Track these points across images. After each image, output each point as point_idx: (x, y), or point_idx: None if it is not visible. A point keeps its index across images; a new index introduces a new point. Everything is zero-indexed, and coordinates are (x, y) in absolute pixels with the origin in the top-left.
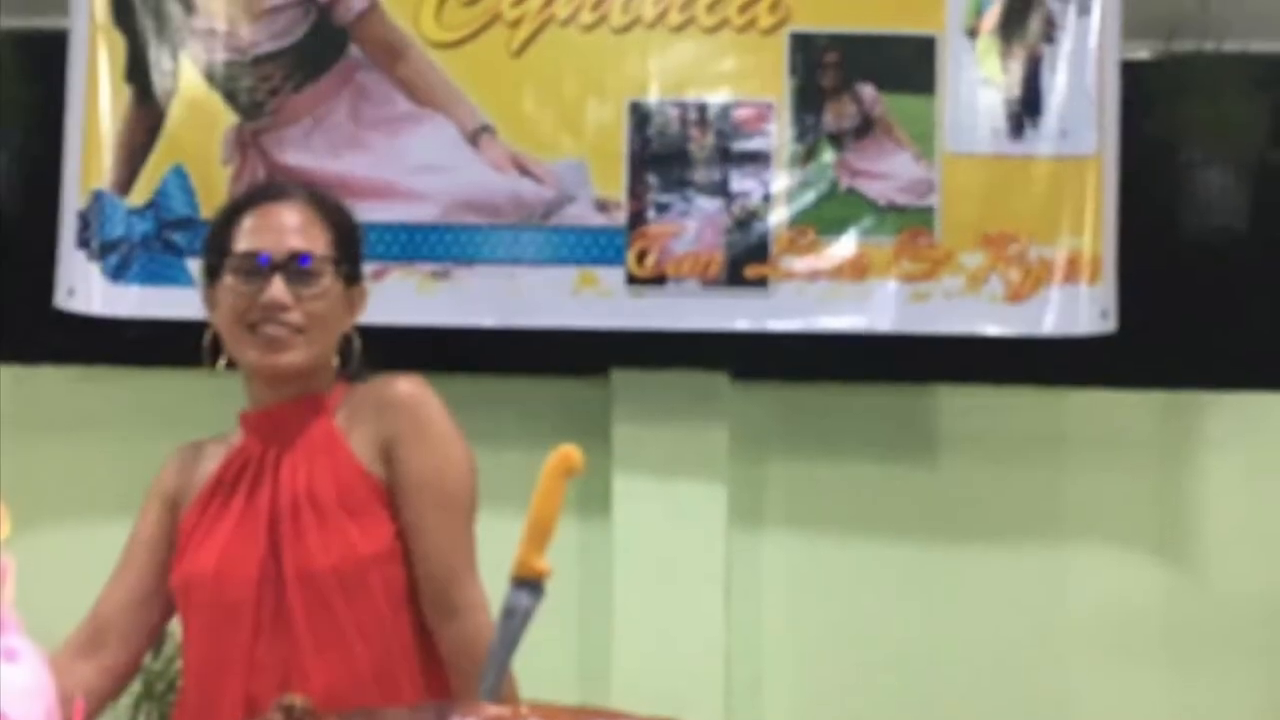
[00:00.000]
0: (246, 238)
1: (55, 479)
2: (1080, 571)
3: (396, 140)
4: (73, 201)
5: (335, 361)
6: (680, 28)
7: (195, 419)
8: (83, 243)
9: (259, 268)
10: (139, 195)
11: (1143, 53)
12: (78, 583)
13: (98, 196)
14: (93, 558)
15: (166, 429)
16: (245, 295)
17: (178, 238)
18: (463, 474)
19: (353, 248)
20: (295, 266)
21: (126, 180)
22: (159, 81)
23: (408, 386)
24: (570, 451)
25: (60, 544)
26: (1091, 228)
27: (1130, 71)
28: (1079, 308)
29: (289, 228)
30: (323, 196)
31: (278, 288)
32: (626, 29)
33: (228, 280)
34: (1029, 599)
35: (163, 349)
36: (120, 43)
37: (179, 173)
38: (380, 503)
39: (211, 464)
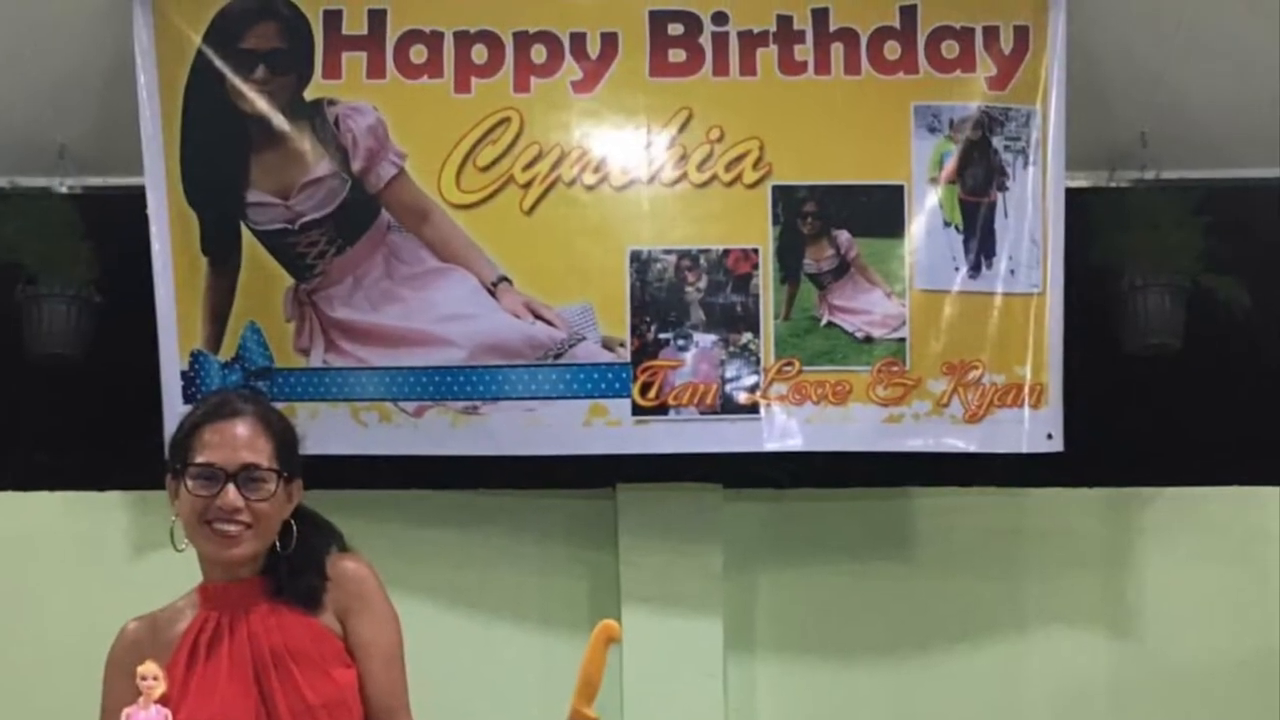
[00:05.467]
0: (205, 451)
1: None
2: (1039, 654)
3: (425, 293)
4: (173, 363)
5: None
6: (673, 183)
7: None
8: (188, 398)
9: (215, 476)
10: (226, 351)
11: (1087, 182)
12: None
13: (195, 356)
14: None
15: None
16: (203, 499)
17: (262, 386)
18: (396, 632)
19: (292, 452)
20: (245, 476)
21: (216, 339)
22: (229, 250)
23: (353, 566)
24: (611, 624)
25: None
26: (1036, 359)
27: (1076, 199)
28: (1024, 429)
29: (241, 443)
30: (267, 411)
31: (232, 494)
32: (625, 187)
33: (189, 484)
34: (998, 686)
35: None
36: (193, 219)
37: (254, 328)
38: (340, 652)
39: (179, 625)
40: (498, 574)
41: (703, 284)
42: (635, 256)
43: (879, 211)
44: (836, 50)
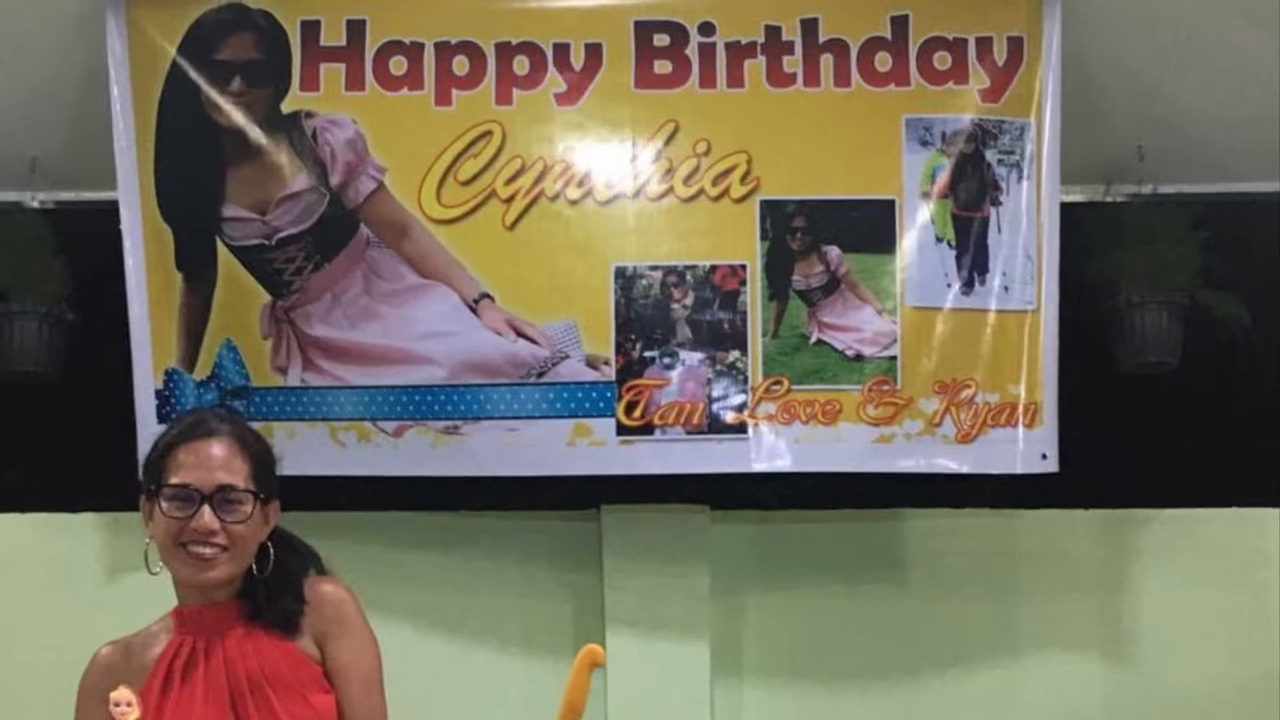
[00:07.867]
0: (180, 472)
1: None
2: (1033, 680)
3: (405, 310)
4: (148, 381)
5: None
6: (659, 198)
7: None
8: (163, 417)
9: (191, 498)
10: (202, 369)
11: (1082, 196)
12: None
13: (170, 375)
14: None
15: None
16: (178, 521)
17: (238, 405)
18: (375, 656)
19: (269, 473)
20: (221, 497)
21: (191, 357)
22: (204, 266)
23: (331, 589)
24: (595, 649)
25: None
26: (1030, 377)
27: (1071, 214)
28: (1018, 450)
29: (216, 463)
30: (244, 431)
31: (207, 516)
32: (610, 201)
33: (163, 505)
34: (991, 712)
35: None
36: (167, 234)
37: (230, 346)
38: (319, 677)
39: (153, 650)
40: (479, 597)
41: (689, 301)
42: (620, 272)
43: (869, 227)
44: (826, 62)
